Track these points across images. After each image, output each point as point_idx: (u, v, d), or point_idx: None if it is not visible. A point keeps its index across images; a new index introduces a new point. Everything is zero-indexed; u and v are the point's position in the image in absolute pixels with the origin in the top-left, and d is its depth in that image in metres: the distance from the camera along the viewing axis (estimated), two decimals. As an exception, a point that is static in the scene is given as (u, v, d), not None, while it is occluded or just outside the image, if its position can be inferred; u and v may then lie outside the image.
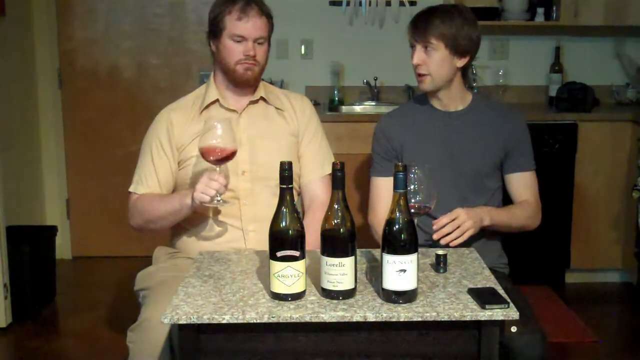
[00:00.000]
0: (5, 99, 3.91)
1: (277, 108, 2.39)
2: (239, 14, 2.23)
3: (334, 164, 1.68)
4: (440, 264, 1.90)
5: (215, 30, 2.28)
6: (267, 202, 2.20)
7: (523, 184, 2.38)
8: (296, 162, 2.37)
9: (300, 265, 1.68)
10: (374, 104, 4.31)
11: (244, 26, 2.24)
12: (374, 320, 1.62)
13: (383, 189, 2.39)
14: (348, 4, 4.20)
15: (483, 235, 2.38)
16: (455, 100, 2.39)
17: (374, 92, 4.33)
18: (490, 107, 2.46)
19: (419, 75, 2.32)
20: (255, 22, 2.25)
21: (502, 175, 2.41)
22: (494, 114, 2.41)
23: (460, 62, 2.31)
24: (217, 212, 2.28)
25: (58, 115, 4.39)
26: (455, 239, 2.13)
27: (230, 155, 2.09)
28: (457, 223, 2.13)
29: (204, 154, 2.08)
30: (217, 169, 2.09)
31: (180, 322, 1.63)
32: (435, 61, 2.28)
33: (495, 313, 1.64)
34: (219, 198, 2.08)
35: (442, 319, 1.63)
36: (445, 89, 2.35)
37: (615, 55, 4.41)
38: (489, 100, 2.54)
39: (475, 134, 2.37)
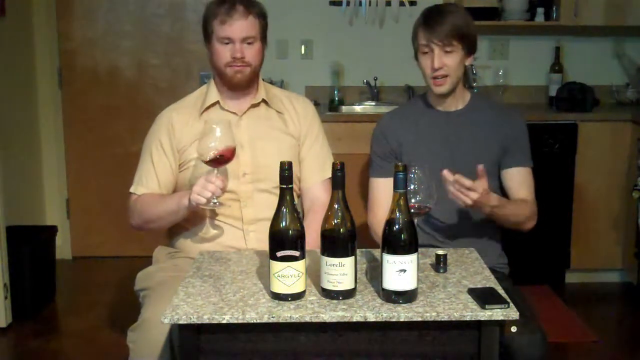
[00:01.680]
0: (5, 99, 3.91)
1: (277, 111, 2.38)
2: (223, 17, 2.23)
3: (333, 164, 1.68)
4: (440, 264, 1.90)
5: (205, 34, 2.30)
6: (267, 203, 2.20)
7: (519, 180, 2.38)
8: (296, 164, 2.37)
9: (300, 265, 1.68)
10: (374, 104, 4.31)
11: (228, 28, 2.23)
12: (374, 320, 1.62)
13: (382, 189, 2.39)
14: (348, 4, 4.20)
15: (483, 235, 2.38)
16: (456, 100, 2.39)
17: (374, 92, 4.33)
18: (489, 106, 2.46)
19: (438, 78, 2.28)
20: (241, 23, 2.23)
21: (500, 172, 2.41)
22: (493, 113, 2.41)
23: (468, 61, 2.33)
24: (217, 212, 2.28)
25: (58, 115, 4.39)
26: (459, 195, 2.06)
27: (228, 158, 2.09)
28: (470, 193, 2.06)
29: (202, 156, 2.08)
30: (215, 171, 2.09)
31: (180, 322, 1.63)
32: (455, 62, 2.27)
33: (495, 313, 1.64)
34: (215, 200, 2.08)
35: (442, 319, 1.63)
36: (453, 91, 2.35)
37: (615, 55, 4.41)
38: (488, 99, 2.54)
39: (474, 133, 2.37)
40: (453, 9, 2.35)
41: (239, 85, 2.31)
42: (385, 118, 2.50)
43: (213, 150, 2.06)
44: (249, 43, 2.26)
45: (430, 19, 2.28)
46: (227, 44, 2.25)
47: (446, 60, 2.26)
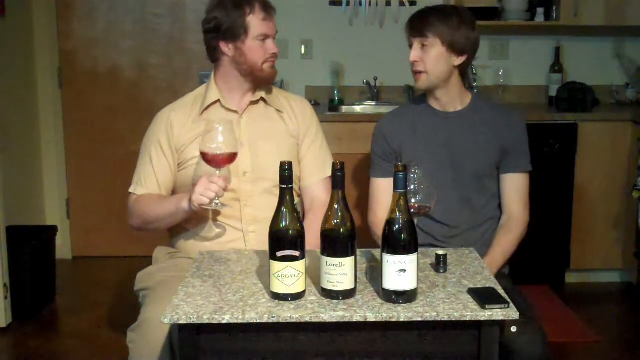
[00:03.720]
0: (5, 98, 3.91)
1: (277, 110, 2.39)
2: (264, 14, 2.25)
3: (333, 164, 1.68)
4: (440, 264, 1.90)
5: (233, 33, 2.25)
6: (267, 203, 2.19)
7: (514, 189, 2.37)
8: (296, 163, 2.37)
9: (300, 265, 1.68)
10: (374, 104, 4.31)
11: (268, 25, 2.27)
12: (374, 320, 1.62)
13: (382, 189, 2.39)
14: (348, 4, 4.19)
15: (483, 235, 2.38)
16: (454, 100, 2.39)
17: (374, 92, 4.33)
18: (489, 107, 2.45)
19: (415, 72, 2.32)
20: (274, 19, 2.30)
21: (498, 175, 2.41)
22: (493, 114, 2.41)
23: (458, 61, 2.31)
24: (217, 212, 2.28)
25: (58, 115, 4.39)
26: None
27: (231, 159, 2.09)
28: None
29: (204, 157, 2.08)
30: (217, 172, 2.09)
31: (180, 322, 1.62)
32: (431, 58, 2.28)
33: (495, 313, 1.63)
34: (217, 201, 2.07)
35: (442, 319, 1.63)
36: (443, 89, 2.35)
37: (615, 55, 4.41)
38: (488, 100, 2.55)
39: (474, 134, 2.37)
40: (444, 8, 2.36)
41: (272, 79, 2.35)
42: (385, 118, 2.50)
43: (216, 150, 2.06)
44: (274, 38, 2.32)
45: (414, 16, 2.33)
46: (263, 40, 2.26)
47: (422, 55, 2.29)
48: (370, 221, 2.44)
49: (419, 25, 2.29)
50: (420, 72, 2.31)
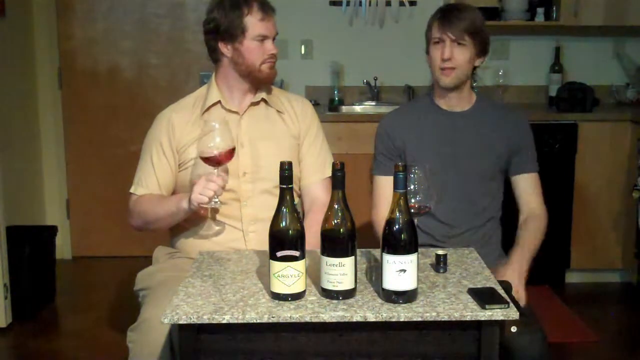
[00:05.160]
0: (5, 98, 3.91)
1: (277, 111, 2.39)
2: (261, 14, 2.25)
3: (333, 164, 1.68)
4: (440, 264, 1.90)
5: (231, 34, 2.25)
6: (267, 203, 2.19)
7: (530, 188, 2.38)
8: (296, 164, 2.37)
9: (300, 265, 1.68)
10: (374, 104, 4.32)
11: (266, 25, 2.26)
12: (374, 320, 1.62)
13: (386, 187, 2.38)
14: (348, 4, 4.20)
15: (483, 235, 2.38)
16: (463, 100, 2.39)
17: (373, 92, 4.33)
18: (495, 108, 2.46)
19: (445, 69, 2.30)
20: (273, 20, 2.28)
21: (508, 177, 2.41)
22: (499, 115, 2.41)
23: (479, 61, 2.34)
24: (217, 212, 2.28)
25: (58, 115, 4.40)
26: None
27: (227, 158, 2.09)
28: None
29: (202, 156, 2.09)
30: (215, 171, 2.09)
31: (180, 322, 1.62)
32: (464, 57, 2.28)
33: (495, 313, 1.63)
34: (216, 199, 2.08)
35: (442, 319, 1.63)
36: (459, 88, 2.35)
37: (615, 55, 4.41)
38: (493, 101, 2.54)
39: (479, 135, 2.36)
40: (470, 7, 2.36)
41: (271, 80, 2.34)
42: (389, 116, 2.49)
43: (213, 149, 2.07)
44: (274, 39, 2.31)
45: (448, 13, 2.31)
46: (261, 40, 2.26)
47: (456, 53, 2.28)
48: (374, 218, 2.43)
49: (455, 24, 2.27)
50: (451, 69, 2.29)
